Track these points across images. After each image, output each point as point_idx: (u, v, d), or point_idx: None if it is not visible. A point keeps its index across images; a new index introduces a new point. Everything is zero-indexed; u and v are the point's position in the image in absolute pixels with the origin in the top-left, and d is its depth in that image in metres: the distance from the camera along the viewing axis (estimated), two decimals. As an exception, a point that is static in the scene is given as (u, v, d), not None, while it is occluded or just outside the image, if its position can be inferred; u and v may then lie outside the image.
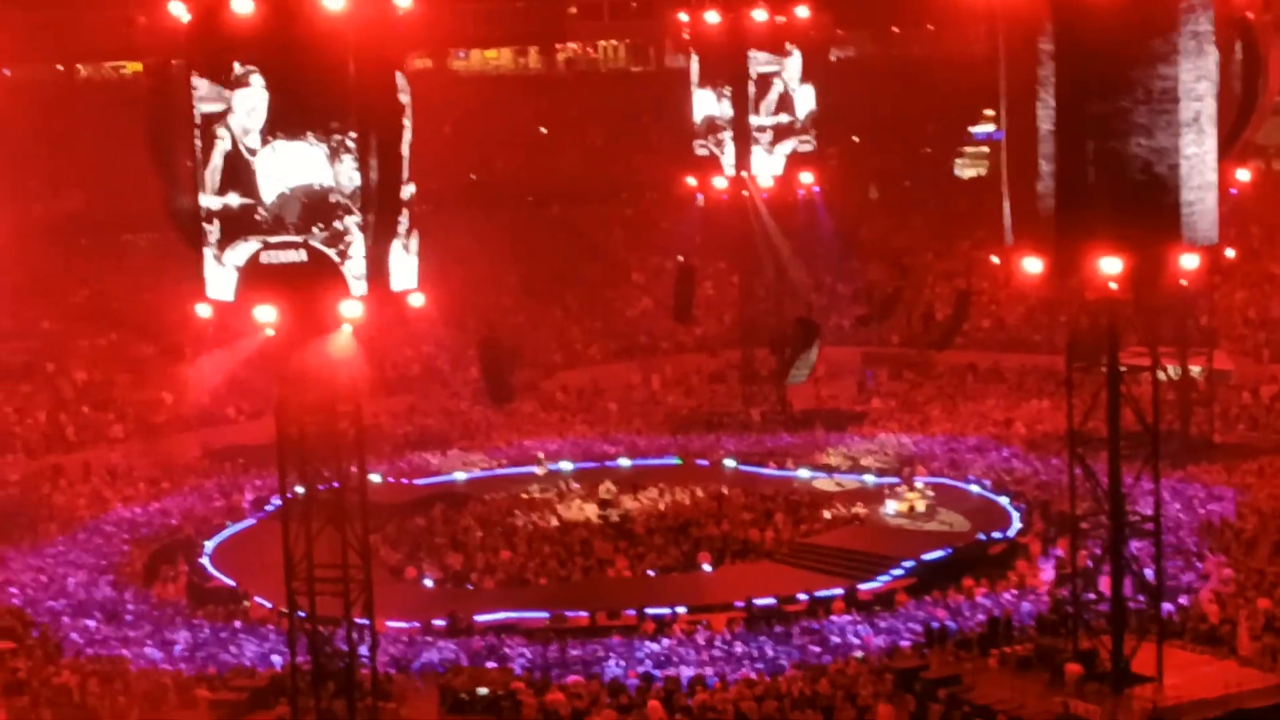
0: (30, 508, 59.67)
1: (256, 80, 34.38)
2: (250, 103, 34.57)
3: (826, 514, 57.68)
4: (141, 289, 75.75)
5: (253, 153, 34.62)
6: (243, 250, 35.09)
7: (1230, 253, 39.37)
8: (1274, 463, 59.23)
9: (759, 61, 69.26)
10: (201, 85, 34.75)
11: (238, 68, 34.28)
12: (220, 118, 34.77)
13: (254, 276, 35.16)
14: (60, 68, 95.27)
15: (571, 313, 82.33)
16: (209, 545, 56.38)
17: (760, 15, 69.05)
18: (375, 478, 56.30)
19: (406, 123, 35.27)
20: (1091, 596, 40.17)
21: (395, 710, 40.17)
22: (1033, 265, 37.90)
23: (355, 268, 34.68)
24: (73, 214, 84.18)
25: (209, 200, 35.30)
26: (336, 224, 34.46)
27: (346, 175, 34.35)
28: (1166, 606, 41.88)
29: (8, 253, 76.66)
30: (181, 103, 35.36)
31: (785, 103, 69.57)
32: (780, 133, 69.62)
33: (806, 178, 70.50)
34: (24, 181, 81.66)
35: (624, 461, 64.44)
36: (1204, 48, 36.61)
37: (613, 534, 55.93)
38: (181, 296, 37.10)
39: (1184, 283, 41.15)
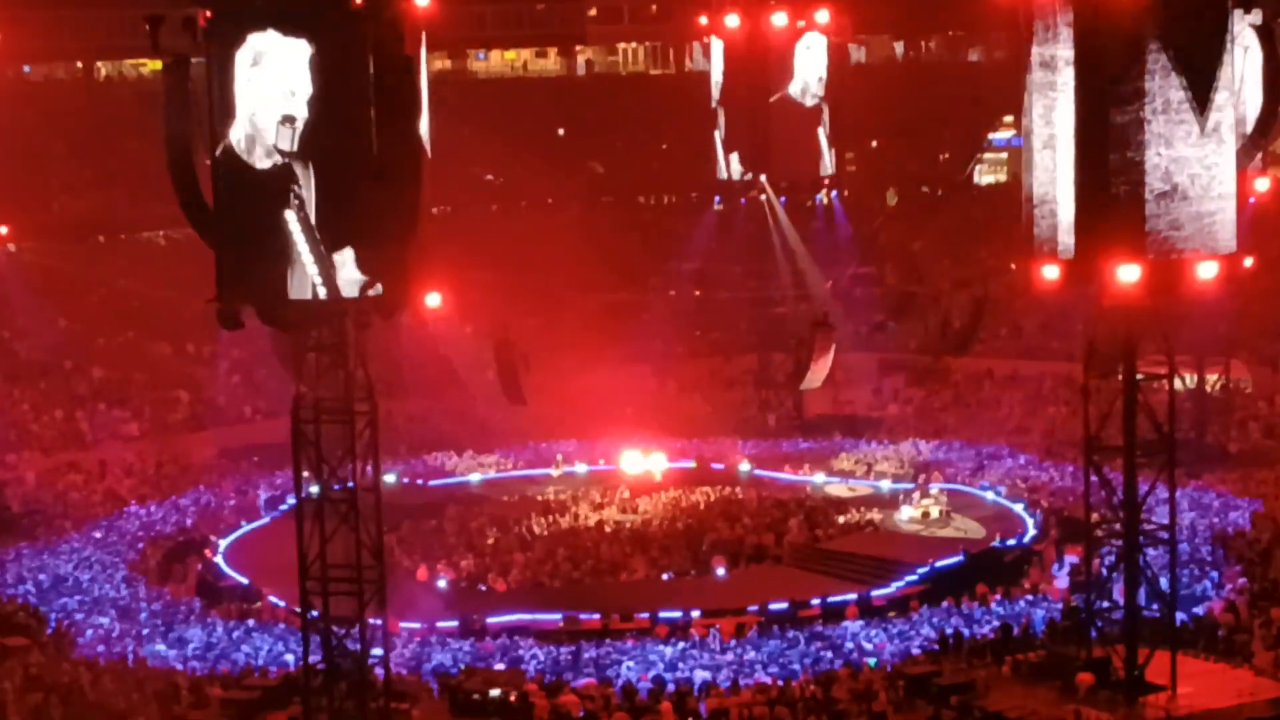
0: (46, 505, 59.79)
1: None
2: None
3: (841, 519, 57.63)
4: (159, 287, 75.94)
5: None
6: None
7: (1248, 262, 39.15)
8: (1290, 472, 59.16)
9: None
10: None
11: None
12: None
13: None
14: (80, 66, 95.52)
15: (588, 315, 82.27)
16: (223, 544, 56.46)
17: (781, 19, 69.14)
18: (390, 479, 56.36)
19: (424, 126, 35.39)
20: (1105, 604, 40.10)
21: (407, 711, 40.12)
22: (1051, 272, 37.87)
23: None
24: (91, 212, 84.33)
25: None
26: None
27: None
28: (1180, 615, 41.80)
29: (25, 251, 76.98)
30: (199, 101, 35.43)
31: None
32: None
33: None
34: (43, 179, 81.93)
35: (639, 464, 64.36)
36: (1223, 57, 36.58)
37: (627, 537, 55.93)
38: (199, 295, 37.16)
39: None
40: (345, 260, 34.84)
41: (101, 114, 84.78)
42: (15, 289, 72.51)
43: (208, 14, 34.79)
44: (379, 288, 34.95)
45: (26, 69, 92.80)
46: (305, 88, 34.40)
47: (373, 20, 34.45)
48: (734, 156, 70.75)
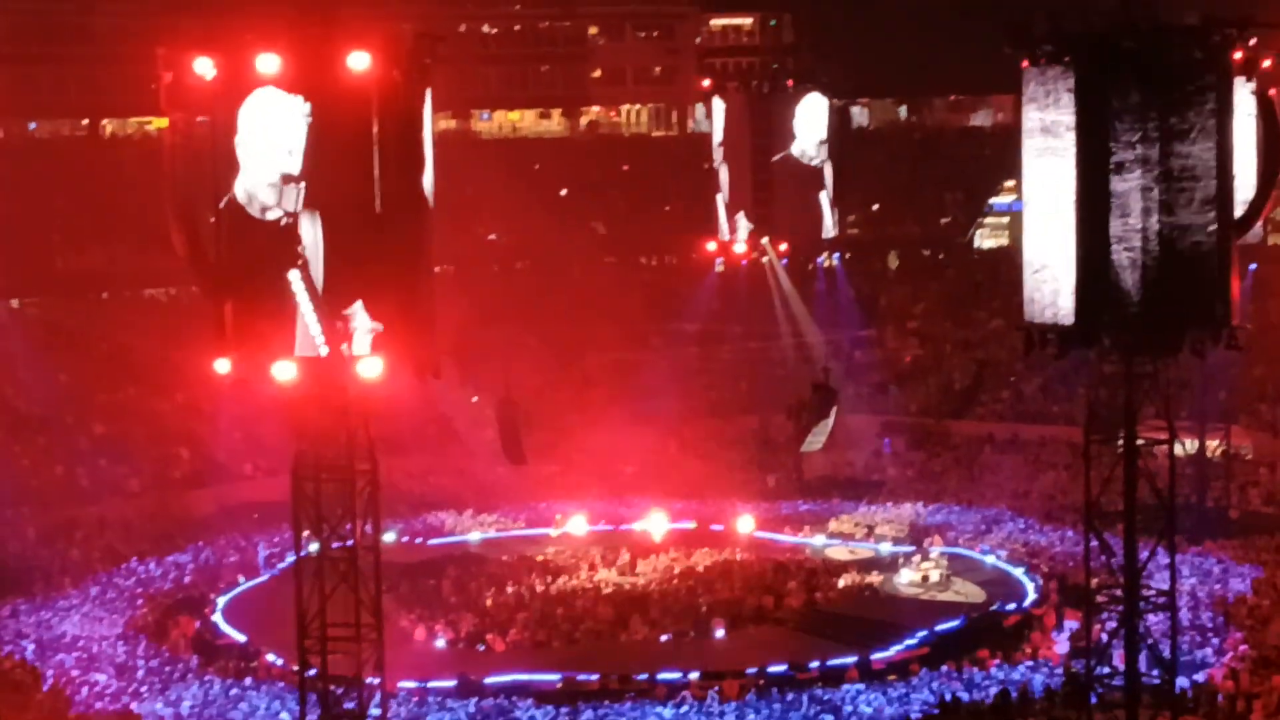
0: (44, 561, 59.69)
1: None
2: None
3: (840, 582, 57.53)
4: (161, 344, 75.98)
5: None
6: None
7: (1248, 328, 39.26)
8: (1290, 539, 59.07)
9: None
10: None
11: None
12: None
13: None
14: (85, 123, 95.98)
15: (590, 375, 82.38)
16: (222, 601, 56.36)
17: (783, 83, 69.47)
18: (390, 537, 56.29)
19: (429, 185, 35.50)
20: (1105, 670, 39.95)
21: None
22: (1050, 336, 37.87)
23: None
24: (94, 268, 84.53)
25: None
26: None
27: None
28: (1181, 682, 41.68)
29: (28, 305, 77.17)
30: (205, 159, 35.56)
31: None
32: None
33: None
34: (46, 235, 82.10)
35: (639, 525, 64.30)
36: (1223, 125, 36.69)
37: (625, 598, 55.82)
38: (201, 352, 37.19)
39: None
40: (354, 314, 34.92)
41: (106, 171, 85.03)
42: (17, 344, 72.60)
43: (213, 72, 34.95)
44: (381, 348, 34.98)
45: (32, 125, 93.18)
46: (305, 144, 34.55)
47: (377, 79, 34.61)
48: (738, 218, 70.90)
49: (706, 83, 72.90)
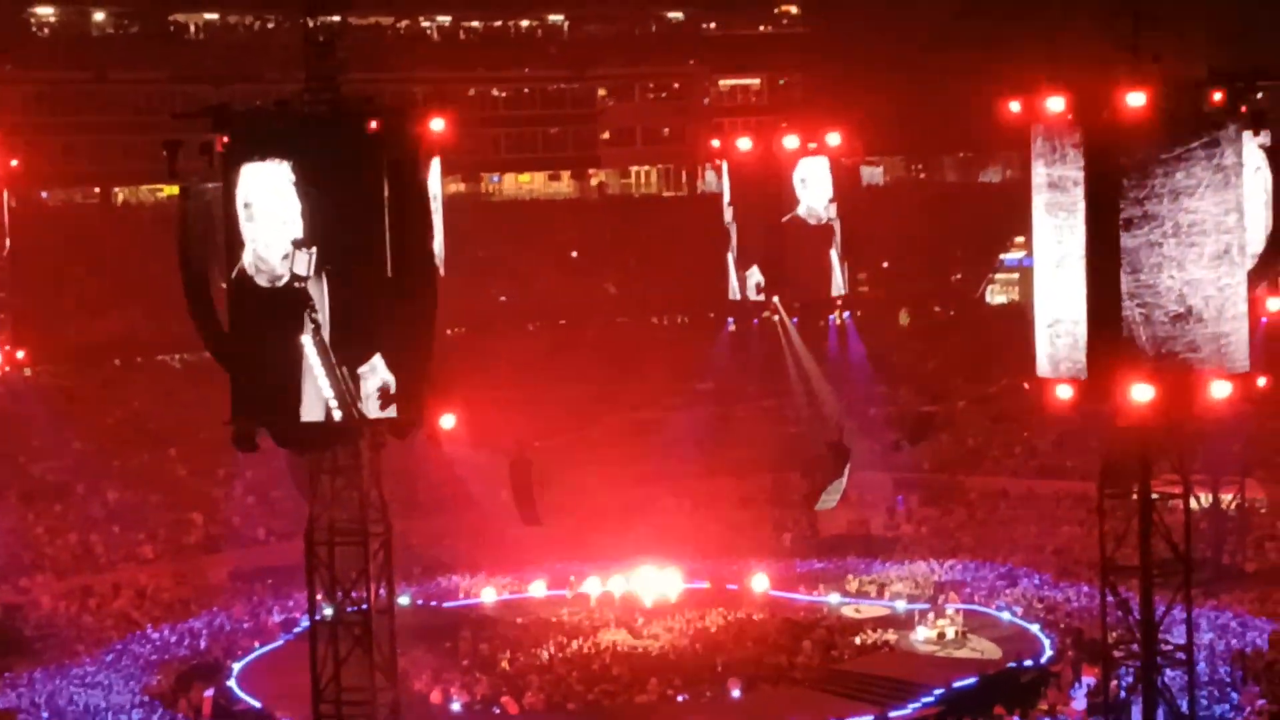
0: (59, 628, 59.62)
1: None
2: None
3: (856, 640, 57.36)
4: (175, 409, 76.06)
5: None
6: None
7: (1262, 381, 39.15)
8: (1307, 592, 58.85)
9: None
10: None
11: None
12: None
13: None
14: (97, 191, 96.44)
15: (604, 435, 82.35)
16: (237, 667, 56.25)
17: (792, 142, 69.60)
18: (404, 600, 56.19)
19: (439, 247, 35.68)
20: (1124, 727, 39.83)
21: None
22: (1064, 392, 37.88)
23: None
24: (107, 335, 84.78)
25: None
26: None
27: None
28: (1200, 737, 41.51)
29: (42, 373, 77.38)
30: (216, 225, 35.75)
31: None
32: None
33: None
34: (59, 303, 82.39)
35: (653, 585, 64.10)
36: (1231, 180, 36.75)
37: (641, 658, 55.66)
38: (214, 417, 37.29)
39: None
40: (366, 376, 35.03)
41: (119, 238, 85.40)
42: (32, 411, 72.76)
43: (224, 139, 35.19)
44: (394, 409, 35.06)
45: (44, 194, 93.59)
46: (316, 210, 34.79)
47: (388, 144, 34.82)
48: (749, 276, 70.99)
49: (716, 143, 73.08)
